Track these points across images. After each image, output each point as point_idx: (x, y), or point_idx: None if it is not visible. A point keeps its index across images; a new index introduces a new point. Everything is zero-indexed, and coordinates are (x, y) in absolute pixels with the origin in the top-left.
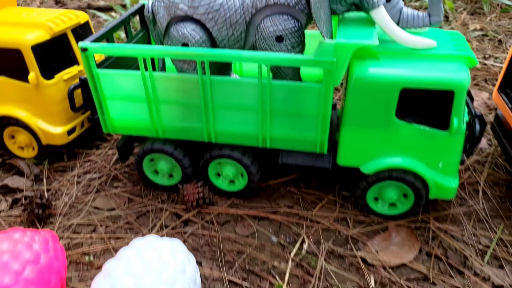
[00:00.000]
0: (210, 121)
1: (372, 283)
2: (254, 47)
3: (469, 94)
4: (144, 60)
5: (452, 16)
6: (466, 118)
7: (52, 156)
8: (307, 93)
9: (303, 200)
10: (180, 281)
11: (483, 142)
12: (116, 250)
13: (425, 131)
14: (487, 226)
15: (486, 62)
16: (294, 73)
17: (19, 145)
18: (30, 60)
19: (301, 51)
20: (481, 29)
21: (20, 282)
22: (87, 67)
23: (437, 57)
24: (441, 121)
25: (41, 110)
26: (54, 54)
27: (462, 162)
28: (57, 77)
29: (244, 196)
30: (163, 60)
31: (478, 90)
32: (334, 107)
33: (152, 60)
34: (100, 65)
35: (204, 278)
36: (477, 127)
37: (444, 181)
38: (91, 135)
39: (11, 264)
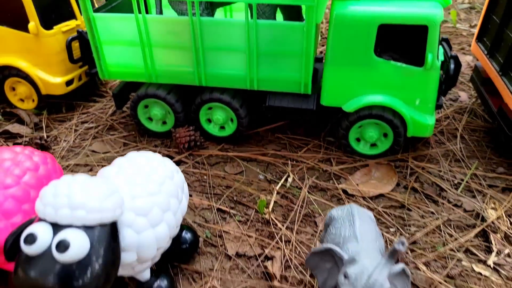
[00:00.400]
0: (201, 64)
1: None
2: None
3: (447, 42)
4: (138, 3)
5: None
6: (442, 58)
7: (51, 107)
8: (291, 31)
9: (290, 144)
10: (168, 184)
11: (464, 96)
12: None
13: (402, 67)
14: (462, 165)
15: (472, 30)
16: (271, 13)
17: (20, 96)
18: (30, 9)
19: None
20: (469, 3)
21: (21, 184)
22: (84, 10)
23: None
24: (417, 59)
25: (40, 60)
26: (53, 6)
27: (439, 107)
28: (56, 28)
29: (234, 142)
30: (160, 6)
31: (462, 54)
32: (320, 60)
33: (147, 6)
34: (97, 11)
35: (194, 207)
36: (452, 66)
37: (421, 118)
38: (89, 91)
39: (12, 169)
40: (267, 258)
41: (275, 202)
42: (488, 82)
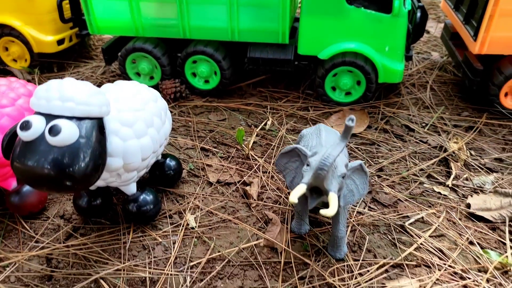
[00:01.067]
0: (185, 16)
1: None
2: None
3: None
4: None
5: None
6: (409, 7)
7: (42, 67)
8: None
9: (271, 97)
10: (152, 105)
11: (436, 55)
12: None
13: (372, 14)
14: (431, 110)
15: None
16: None
17: (13, 56)
18: None
19: None
20: None
21: (16, 106)
22: None
23: None
24: (386, 7)
25: (33, 20)
26: None
27: (409, 58)
28: None
29: (218, 95)
30: None
31: (438, 23)
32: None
33: None
34: None
35: (179, 147)
36: (418, 14)
37: (391, 64)
38: (79, 54)
39: (8, 93)
40: (245, 184)
41: (254, 142)
42: (455, 36)
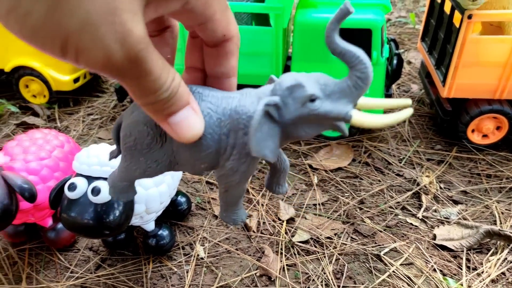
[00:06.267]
0: None
1: (316, 180)
2: None
3: (394, 41)
4: None
5: None
6: (387, 55)
7: (60, 102)
8: (263, 35)
9: None
10: None
11: (415, 88)
12: None
13: None
14: (408, 143)
15: None
16: (248, 19)
17: (33, 93)
18: None
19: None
20: None
21: (52, 158)
22: None
23: (361, 5)
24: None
25: (51, 61)
26: None
27: (389, 96)
28: None
29: None
30: None
31: (418, 52)
32: None
33: None
34: None
35: (186, 181)
36: (395, 61)
37: None
38: (92, 88)
39: (44, 145)
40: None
41: (253, 175)
42: (430, 75)
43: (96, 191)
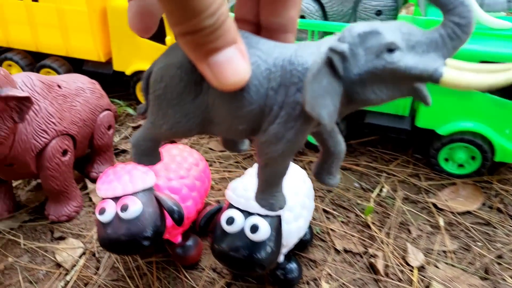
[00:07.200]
0: None
1: (442, 223)
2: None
3: None
4: None
5: None
6: None
7: None
8: None
9: (381, 158)
10: (303, 187)
11: None
12: (230, 179)
13: (496, 99)
14: None
15: None
16: None
17: None
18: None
19: None
20: None
21: (189, 177)
22: None
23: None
24: (509, 93)
25: None
26: None
27: None
28: None
29: None
30: None
31: None
32: None
33: None
34: None
35: None
36: None
37: (509, 146)
38: None
39: (182, 163)
40: (371, 256)
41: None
42: None
43: (254, 228)
